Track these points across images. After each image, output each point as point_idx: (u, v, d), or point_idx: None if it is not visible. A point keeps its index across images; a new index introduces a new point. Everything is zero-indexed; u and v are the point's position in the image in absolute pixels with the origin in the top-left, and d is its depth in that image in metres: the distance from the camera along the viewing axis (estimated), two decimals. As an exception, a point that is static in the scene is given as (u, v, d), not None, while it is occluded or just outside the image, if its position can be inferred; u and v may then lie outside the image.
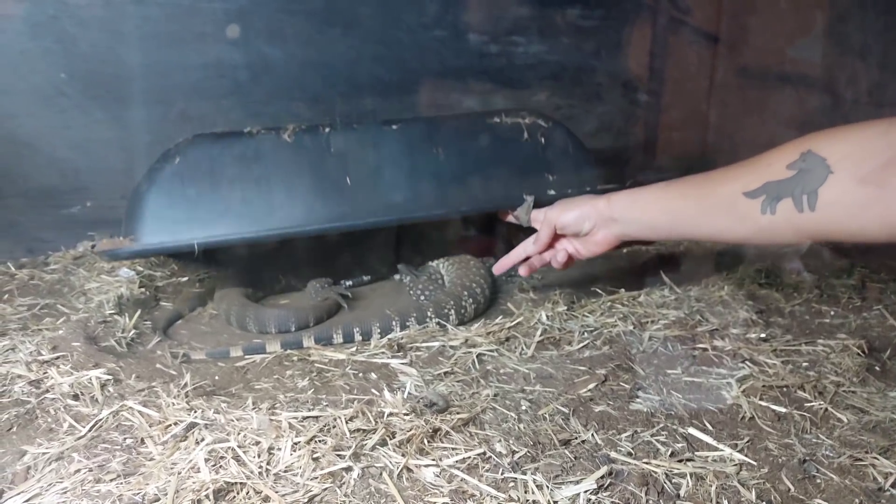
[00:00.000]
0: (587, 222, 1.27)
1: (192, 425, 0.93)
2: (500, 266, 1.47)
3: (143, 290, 1.55)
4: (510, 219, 1.47)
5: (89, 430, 0.96)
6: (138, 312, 1.38)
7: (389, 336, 1.30)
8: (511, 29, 2.01)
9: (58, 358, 1.16)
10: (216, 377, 1.15)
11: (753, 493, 0.81)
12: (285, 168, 1.39)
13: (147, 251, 1.34)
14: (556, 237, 1.37)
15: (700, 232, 1.11)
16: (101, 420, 0.99)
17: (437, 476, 0.84)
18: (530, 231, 1.42)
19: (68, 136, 1.74)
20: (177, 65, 1.72)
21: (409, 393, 1.03)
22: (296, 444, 0.88)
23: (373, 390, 1.06)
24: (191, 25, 1.73)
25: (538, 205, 1.43)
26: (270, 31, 1.80)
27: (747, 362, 1.09)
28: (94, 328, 1.29)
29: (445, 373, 1.14)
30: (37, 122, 1.72)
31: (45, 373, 1.12)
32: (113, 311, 1.38)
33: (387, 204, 1.40)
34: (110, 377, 1.09)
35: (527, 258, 1.42)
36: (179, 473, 0.83)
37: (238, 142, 1.41)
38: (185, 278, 1.68)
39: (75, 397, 1.04)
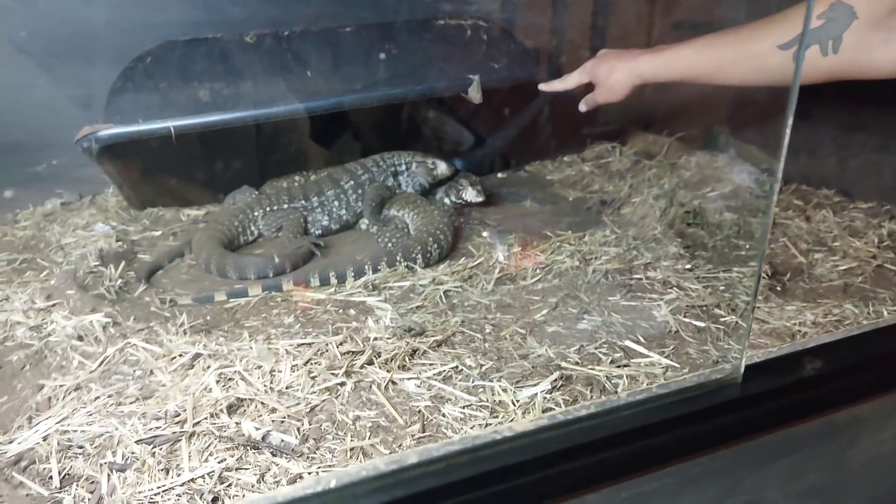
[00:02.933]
0: (621, 98, 1.54)
1: (197, 355, 1.05)
2: (548, 86, 1.71)
3: (119, 243, 1.63)
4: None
5: (99, 365, 1.07)
6: (122, 263, 1.46)
7: (363, 278, 1.43)
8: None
9: (54, 305, 1.25)
10: (208, 317, 1.26)
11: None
12: (250, 65, 1.53)
13: (125, 134, 1.44)
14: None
15: (727, 81, 1.38)
16: (108, 357, 1.09)
17: (419, 386, 1.00)
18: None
19: (32, 95, 1.75)
20: (140, 22, 1.75)
21: (388, 322, 1.17)
22: (294, 366, 1.01)
23: (354, 322, 1.20)
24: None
25: (491, 86, 1.60)
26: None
27: (675, 288, 1.28)
28: (84, 278, 1.37)
29: (417, 307, 1.29)
30: (-2, 81, 1.73)
31: (43, 319, 1.21)
32: (97, 263, 1.46)
33: (346, 90, 1.55)
34: (109, 320, 1.19)
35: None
36: (194, 394, 0.95)
37: (204, 44, 1.55)
38: (159, 232, 1.76)
39: (79, 338, 1.14)
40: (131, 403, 0.96)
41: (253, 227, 1.70)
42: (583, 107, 1.71)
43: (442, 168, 1.84)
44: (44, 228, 1.71)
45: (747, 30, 1.29)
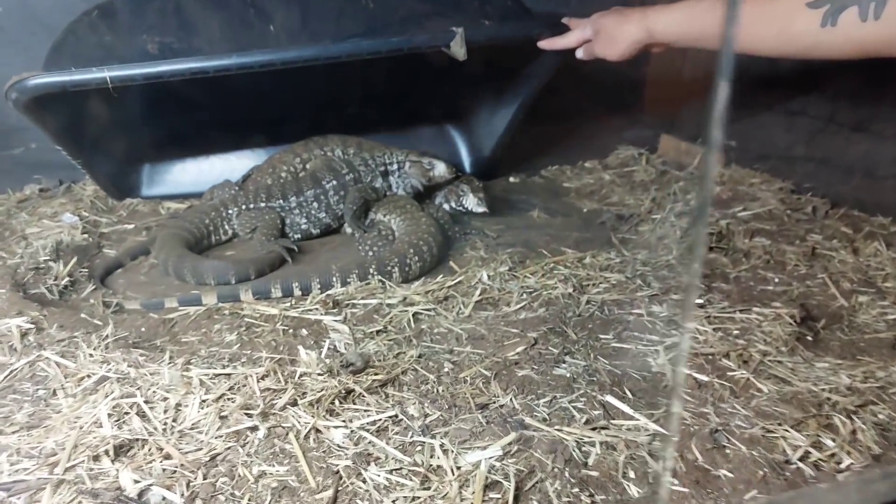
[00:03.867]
0: (627, 54, 1.38)
1: (104, 378, 0.92)
2: (548, 44, 1.53)
3: (85, 235, 1.52)
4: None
5: (2, 380, 0.94)
6: (74, 259, 1.35)
7: (329, 292, 1.27)
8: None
9: (-19, 305, 1.13)
10: (142, 329, 1.13)
11: (661, 463, 0.80)
12: (206, 20, 1.40)
13: (56, 83, 1.31)
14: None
15: (745, 48, 1.15)
16: (15, 370, 0.97)
17: (346, 437, 0.83)
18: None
19: (6, 73, 1.65)
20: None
21: (331, 351, 1.01)
22: (204, 401, 0.86)
23: (299, 347, 1.05)
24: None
25: (475, 44, 1.44)
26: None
27: (680, 329, 1.08)
28: (25, 274, 1.26)
29: (378, 331, 1.12)
30: (-26, 58, 1.64)
31: (-33, 319, 1.10)
32: (48, 258, 1.35)
33: (312, 44, 1.40)
34: (32, 326, 1.07)
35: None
36: (81, 428, 0.82)
37: None
38: (132, 225, 1.64)
39: (-7, 346, 1.02)
40: (13, 433, 0.83)
41: (227, 226, 1.57)
42: (580, 54, 1.52)
43: (440, 169, 1.66)
44: (13, 216, 1.62)
45: None
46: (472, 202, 1.67)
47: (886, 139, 1.53)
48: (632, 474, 0.80)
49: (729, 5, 0.38)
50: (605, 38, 1.43)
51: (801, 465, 0.81)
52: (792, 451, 0.82)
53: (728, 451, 0.83)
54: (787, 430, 0.85)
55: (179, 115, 1.75)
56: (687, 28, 1.29)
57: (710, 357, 1.00)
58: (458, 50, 1.40)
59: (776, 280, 1.28)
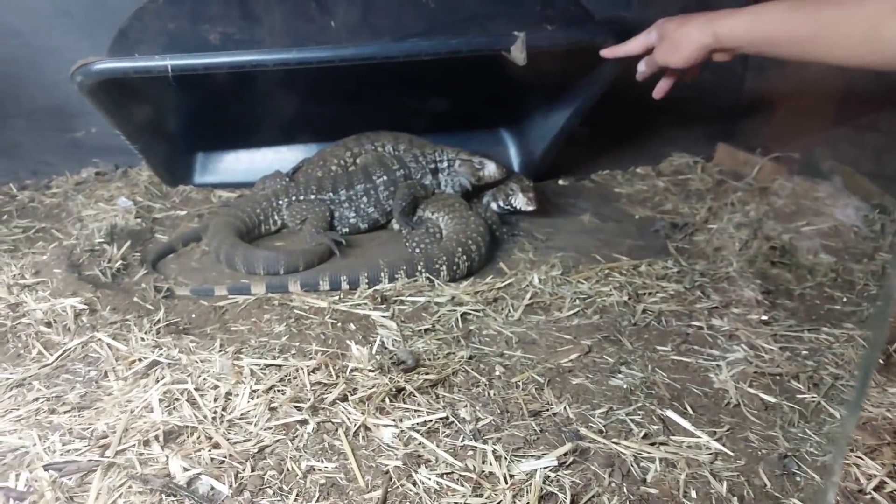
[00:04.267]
0: (691, 62, 1.28)
1: (155, 363, 0.92)
2: (610, 52, 1.47)
3: (139, 220, 1.54)
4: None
5: (56, 360, 0.95)
6: (128, 243, 1.36)
7: (376, 287, 1.26)
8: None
9: (38, 283, 1.15)
10: (193, 315, 1.13)
11: (725, 485, 0.76)
12: (269, 12, 1.40)
13: (119, 69, 1.34)
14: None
15: (828, 57, 1.05)
16: (69, 350, 0.98)
17: (396, 437, 0.81)
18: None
19: (73, 59, 1.69)
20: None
21: (380, 347, 0.99)
22: (254, 391, 0.85)
23: (350, 342, 1.03)
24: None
25: (536, 49, 1.41)
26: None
27: (743, 345, 1.03)
28: (80, 256, 1.28)
29: (426, 329, 1.10)
30: (41, 42, 1.68)
31: (26, 297, 1.12)
32: (102, 241, 1.37)
33: (372, 41, 1.40)
34: (86, 307, 1.08)
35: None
36: (132, 412, 0.81)
37: None
38: (184, 212, 1.66)
39: (48, 324, 1.04)
40: (65, 413, 0.83)
41: (276, 217, 1.57)
42: (641, 67, 1.44)
43: (490, 169, 1.64)
44: (70, 198, 1.65)
45: None
46: (521, 201, 1.64)
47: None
48: (693, 494, 0.76)
49: None
50: (668, 43, 1.35)
51: (875, 495, 0.76)
52: (866, 481, 0.77)
53: (798, 478, 0.78)
54: (860, 458, 0.80)
55: (235, 105, 1.76)
56: (756, 33, 1.20)
57: (778, 377, 0.95)
58: (519, 55, 1.37)
59: (844, 299, 1.22)
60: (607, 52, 1.46)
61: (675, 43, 1.31)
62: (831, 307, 1.19)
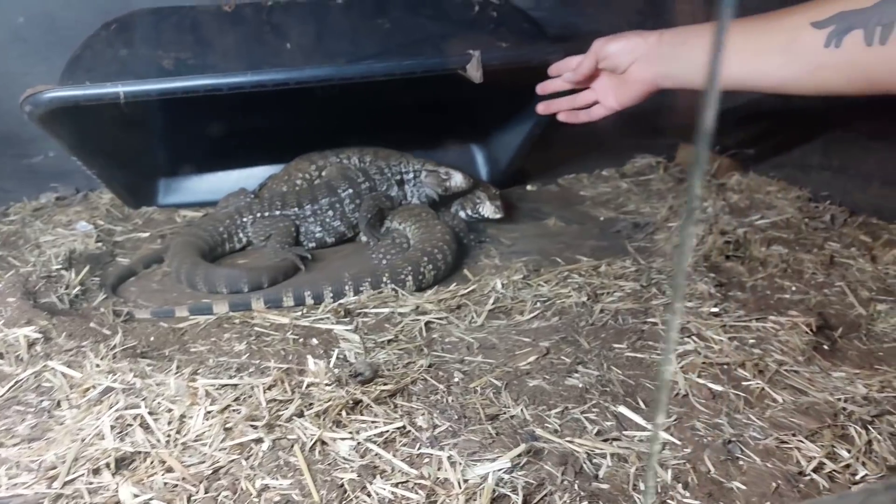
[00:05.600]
0: (630, 55, 1.24)
1: (109, 389, 0.91)
2: (542, 86, 1.47)
3: (99, 244, 1.53)
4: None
5: (7, 392, 0.94)
6: (86, 268, 1.35)
7: (341, 301, 1.26)
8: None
9: (-9, 314, 1.14)
10: (152, 338, 1.13)
11: (670, 474, 0.78)
12: (222, 36, 1.40)
13: (70, 97, 1.32)
14: (593, 77, 1.35)
15: (749, 75, 1.07)
16: (21, 381, 0.97)
17: (352, 450, 0.82)
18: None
19: (28, 83, 1.67)
20: (141, 6, 1.64)
21: (340, 360, 1.00)
22: (209, 412, 0.85)
23: (309, 357, 1.03)
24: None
25: (491, 67, 1.41)
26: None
27: (694, 337, 1.05)
28: (36, 283, 1.26)
29: (389, 340, 1.11)
30: (-6, 69, 1.67)
31: (-23, 329, 1.10)
32: (60, 266, 1.35)
33: (327, 64, 1.40)
34: (40, 335, 1.07)
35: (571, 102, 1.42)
36: (83, 440, 0.81)
37: (176, 13, 1.45)
38: (147, 234, 1.65)
39: (0, 356, 1.02)
40: (13, 446, 0.82)
41: (241, 234, 1.57)
42: (587, 115, 1.43)
43: (457, 180, 1.65)
44: (28, 224, 1.63)
45: (782, 11, 1.03)
46: (488, 209, 1.66)
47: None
48: (643, 486, 0.77)
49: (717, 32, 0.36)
50: (618, 83, 1.31)
51: (815, 476, 0.78)
52: (806, 463, 0.80)
53: (742, 462, 0.80)
54: (801, 441, 0.82)
55: (196, 126, 1.76)
56: (687, 78, 1.19)
57: (726, 367, 0.98)
58: (475, 73, 1.39)
59: (793, 288, 1.25)
60: (540, 88, 1.46)
61: (631, 85, 1.28)
62: (781, 296, 1.22)
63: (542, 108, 1.44)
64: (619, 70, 1.26)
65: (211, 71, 1.33)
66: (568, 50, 1.48)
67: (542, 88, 1.46)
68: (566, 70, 1.39)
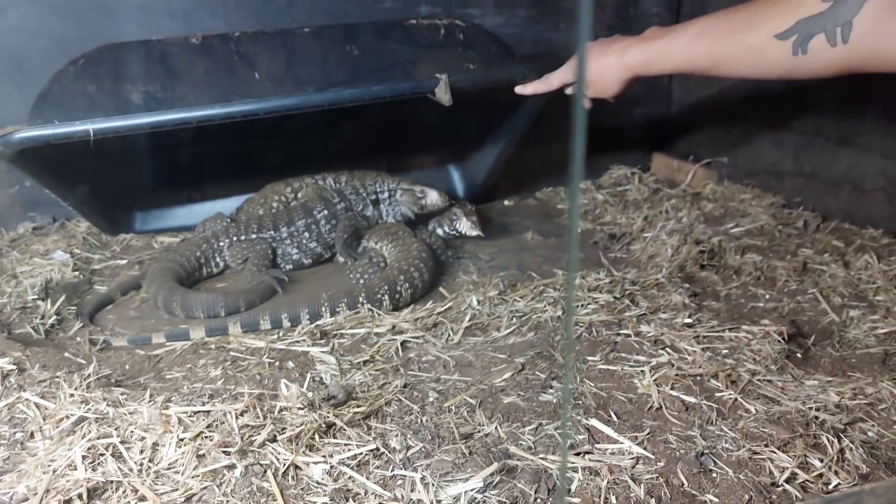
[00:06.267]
0: (606, 94, 1.36)
1: (82, 419, 0.91)
2: (521, 90, 1.51)
3: (76, 272, 1.52)
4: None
5: (-19, 425, 0.94)
6: (62, 298, 1.35)
7: (317, 322, 1.27)
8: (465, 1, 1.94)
9: (-35, 347, 1.13)
10: (127, 366, 1.13)
11: (643, 488, 0.78)
12: (191, 68, 1.40)
13: (39, 137, 1.31)
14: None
15: (735, 73, 1.17)
16: (-5, 413, 0.96)
17: (325, 473, 0.82)
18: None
19: (2, 114, 1.68)
20: (112, 37, 1.65)
21: (315, 383, 1.00)
22: (181, 439, 0.85)
23: (283, 381, 1.03)
24: (128, -1, 1.66)
25: (460, 89, 1.44)
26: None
27: (667, 349, 1.06)
28: (10, 314, 1.26)
29: (365, 361, 1.11)
30: (-31, 99, 1.67)
31: (-49, 362, 1.09)
32: (36, 297, 1.35)
33: (296, 92, 1.41)
34: (14, 367, 1.06)
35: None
36: (55, 471, 0.81)
37: (143, 46, 1.45)
38: (125, 260, 1.65)
39: (-27, 389, 1.02)
40: (-14, 479, 0.82)
41: (218, 259, 1.57)
42: (570, 91, 1.49)
43: (432, 198, 1.67)
44: (4, 255, 1.62)
45: (742, 15, 1.08)
46: (465, 226, 1.67)
47: (871, 152, 1.52)
48: (613, 500, 0.78)
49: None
50: (592, 86, 1.39)
51: (787, 487, 0.79)
52: (779, 473, 0.80)
53: (715, 474, 0.81)
54: (773, 452, 0.83)
55: (172, 153, 1.77)
56: (664, 63, 1.26)
57: (699, 378, 0.99)
58: (444, 96, 1.41)
59: (767, 297, 1.27)
60: (522, 89, 1.51)
61: (597, 80, 1.36)
62: (754, 305, 1.24)
63: (519, 88, 1.48)
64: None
65: (180, 103, 1.34)
66: (535, 70, 1.51)
67: (521, 91, 1.51)
68: (544, 89, 1.45)
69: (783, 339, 1.06)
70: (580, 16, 0.35)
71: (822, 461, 0.81)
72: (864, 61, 0.95)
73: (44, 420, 0.93)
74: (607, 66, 1.31)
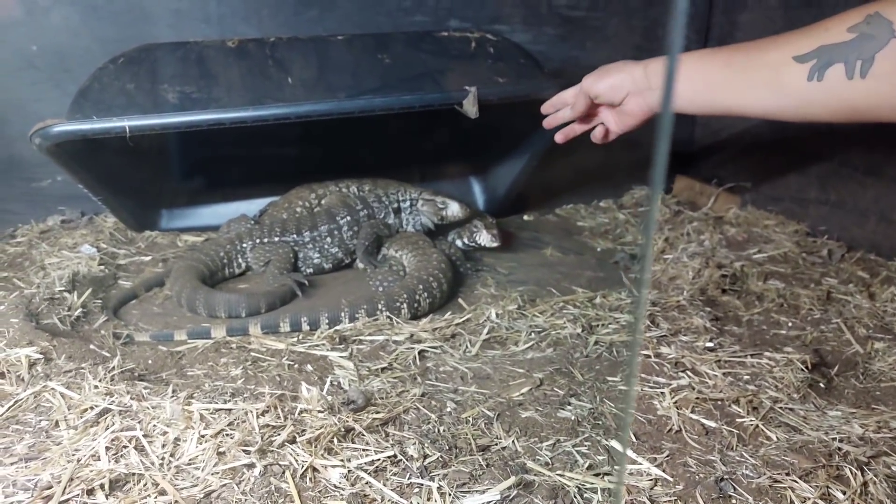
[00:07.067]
0: (620, 91, 1.24)
1: (106, 411, 0.92)
2: (548, 122, 1.45)
3: (102, 267, 1.54)
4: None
5: (6, 411, 0.95)
6: (88, 291, 1.37)
7: (337, 327, 1.28)
8: (494, 17, 1.96)
9: (-6, 334, 1.15)
10: (150, 361, 1.14)
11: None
12: (226, 70, 1.43)
13: (77, 131, 1.34)
14: (595, 106, 1.34)
15: (737, 104, 1.09)
16: (21, 401, 0.98)
17: (343, 477, 0.82)
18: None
19: (39, 109, 1.72)
20: (149, 39, 1.69)
21: (334, 388, 1.01)
22: (202, 436, 0.86)
23: (303, 383, 1.04)
24: (165, 2, 1.70)
25: (488, 102, 1.44)
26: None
27: (688, 372, 1.06)
28: (39, 305, 1.28)
29: (383, 368, 1.12)
30: (6, 95, 1.71)
31: (-21, 348, 1.11)
32: (63, 289, 1.37)
33: (328, 98, 1.42)
34: (41, 356, 1.08)
35: (567, 124, 1.41)
36: (79, 461, 0.82)
37: (181, 48, 1.49)
38: (149, 257, 1.67)
39: (1, 375, 1.04)
40: (11, 464, 0.83)
41: (241, 260, 1.59)
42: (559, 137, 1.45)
43: (453, 209, 1.68)
44: (34, 246, 1.66)
45: (768, 39, 1.04)
46: (485, 238, 1.67)
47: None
48: (634, 523, 0.77)
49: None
50: (621, 114, 1.30)
51: (810, 518, 0.78)
52: (800, 503, 0.79)
53: (734, 501, 0.80)
54: (795, 481, 0.82)
55: (201, 154, 1.80)
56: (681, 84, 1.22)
57: (719, 403, 0.98)
58: (471, 108, 1.42)
59: (790, 324, 1.26)
60: (547, 124, 1.45)
61: (630, 114, 1.27)
62: (777, 332, 1.23)
63: (560, 137, 1.45)
64: (614, 104, 1.28)
65: (215, 104, 1.37)
66: (563, 84, 1.51)
67: (549, 124, 1.47)
68: (560, 104, 1.41)
69: (806, 367, 1.05)
70: (672, 27, 0.36)
71: (844, 493, 0.80)
72: (879, 105, 0.92)
73: (68, 410, 0.94)
74: (627, 74, 1.25)
